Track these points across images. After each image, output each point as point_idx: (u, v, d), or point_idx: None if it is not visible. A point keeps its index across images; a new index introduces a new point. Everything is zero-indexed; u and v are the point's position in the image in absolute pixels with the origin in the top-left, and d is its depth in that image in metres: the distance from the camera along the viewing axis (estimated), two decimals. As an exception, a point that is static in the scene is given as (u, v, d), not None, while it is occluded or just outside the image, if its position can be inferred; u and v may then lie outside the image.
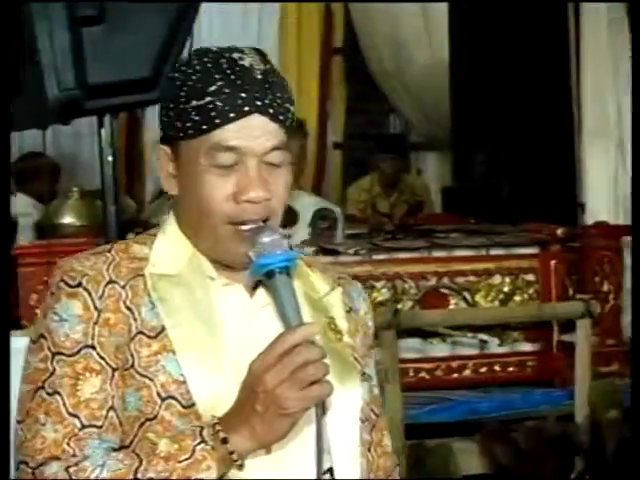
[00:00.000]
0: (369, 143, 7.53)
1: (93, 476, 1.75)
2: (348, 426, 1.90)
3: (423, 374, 4.40)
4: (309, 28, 7.72)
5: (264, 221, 1.81)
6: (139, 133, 7.55)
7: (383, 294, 4.43)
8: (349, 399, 1.90)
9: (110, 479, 1.74)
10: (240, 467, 1.76)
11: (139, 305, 1.83)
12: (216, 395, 1.80)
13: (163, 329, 1.82)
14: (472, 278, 4.51)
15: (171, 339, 1.82)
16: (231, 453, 1.74)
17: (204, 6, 3.80)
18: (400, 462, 3.99)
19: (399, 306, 4.33)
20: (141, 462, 1.75)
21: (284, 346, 1.70)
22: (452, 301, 4.49)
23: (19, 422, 1.82)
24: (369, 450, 1.98)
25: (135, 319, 1.82)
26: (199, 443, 1.74)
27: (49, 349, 1.81)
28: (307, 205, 5.11)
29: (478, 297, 4.51)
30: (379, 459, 2.03)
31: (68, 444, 1.77)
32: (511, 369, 4.48)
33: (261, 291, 1.87)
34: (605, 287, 4.52)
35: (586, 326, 4.16)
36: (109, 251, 1.88)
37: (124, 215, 4.20)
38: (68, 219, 4.72)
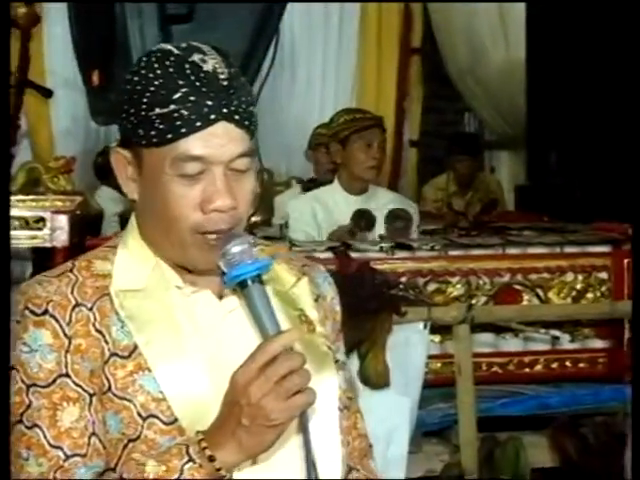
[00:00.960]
0: (444, 141, 7.51)
1: None
2: (328, 417, 1.87)
3: (496, 368, 4.37)
4: (389, 28, 7.71)
5: (230, 229, 1.74)
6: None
7: (458, 289, 4.41)
8: (327, 390, 1.87)
9: None
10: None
11: (108, 326, 1.77)
12: (198, 407, 1.76)
13: (136, 347, 1.76)
14: (545, 275, 4.49)
15: (145, 357, 1.75)
16: (218, 470, 1.68)
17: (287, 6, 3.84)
18: (472, 454, 4.04)
19: (473, 301, 4.32)
20: None
21: (265, 357, 1.64)
22: (525, 297, 4.47)
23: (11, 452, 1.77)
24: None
25: (106, 341, 1.76)
26: (186, 462, 1.68)
27: (22, 381, 1.76)
28: (383, 203, 5.14)
29: (551, 294, 4.49)
30: (354, 442, 1.98)
31: (54, 478, 1.73)
32: (582, 365, 4.44)
33: (228, 293, 1.82)
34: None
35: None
36: (71, 270, 1.80)
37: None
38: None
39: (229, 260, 1.72)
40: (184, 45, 1.75)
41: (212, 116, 1.69)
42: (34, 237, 3.90)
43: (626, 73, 5.12)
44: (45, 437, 1.73)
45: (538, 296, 4.46)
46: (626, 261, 4.51)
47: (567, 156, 5.54)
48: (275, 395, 1.64)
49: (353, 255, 4.31)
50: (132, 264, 1.82)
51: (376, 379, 3.77)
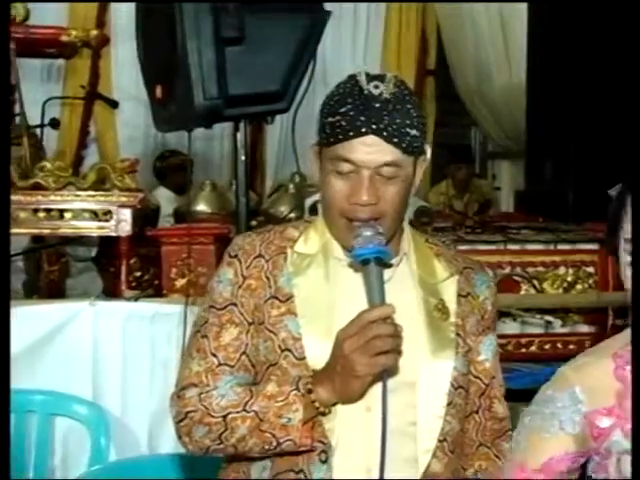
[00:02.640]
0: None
1: (215, 402, 1.88)
2: (437, 390, 1.94)
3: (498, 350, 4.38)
4: (407, 52, 7.72)
5: (375, 219, 1.88)
6: (262, 137, 7.63)
7: (464, 280, 4.41)
8: (441, 368, 1.95)
9: (226, 405, 1.87)
10: (323, 414, 1.86)
11: (276, 275, 1.95)
12: (323, 352, 1.87)
13: (292, 296, 1.93)
14: (541, 268, 4.48)
15: (296, 304, 1.92)
16: (313, 402, 1.83)
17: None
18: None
19: (494, 285, 4.31)
20: (251, 397, 1.87)
21: (362, 321, 1.79)
22: (523, 287, 4.47)
23: (183, 354, 2.02)
24: (477, 413, 2.03)
25: (270, 286, 1.94)
26: (293, 390, 1.85)
27: (208, 302, 1.98)
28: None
29: (545, 285, 4.48)
30: (487, 422, 2.07)
31: (206, 376, 1.93)
32: (571, 347, 4.43)
33: (385, 270, 1.91)
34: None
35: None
36: (269, 231, 2.03)
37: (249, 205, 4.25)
38: (201, 207, 4.78)
39: (358, 241, 1.86)
40: (370, 73, 1.94)
41: (363, 129, 1.84)
42: (102, 227, 3.91)
43: (611, 95, 5.09)
44: (209, 346, 1.95)
45: (534, 286, 4.45)
46: (610, 257, 4.49)
47: (561, 165, 5.52)
48: (361, 352, 1.78)
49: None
50: (312, 235, 2.00)
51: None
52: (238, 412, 1.86)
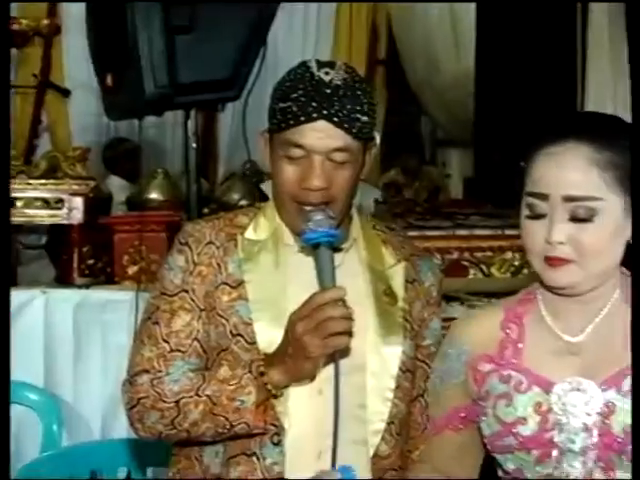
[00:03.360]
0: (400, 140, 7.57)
1: (167, 388, 1.88)
2: (385, 374, 1.95)
3: (447, 332, 4.40)
4: (358, 41, 7.71)
5: (326, 204, 1.88)
6: (214, 125, 7.61)
7: (414, 264, 4.43)
8: (390, 352, 1.95)
9: (178, 390, 1.87)
10: (275, 397, 1.86)
11: (227, 262, 1.94)
12: (274, 336, 1.88)
13: (243, 281, 1.92)
14: (488, 253, 4.51)
15: (247, 290, 1.92)
16: (265, 384, 1.83)
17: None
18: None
19: (440, 272, 4.33)
20: (204, 381, 1.87)
21: (314, 304, 1.79)
22: (471, 272, 4.49)
23: (134, 341, 2.00)
24: (422, 396, 2.02)
25: (221, 272, 1.94)
26: (246, 373, 1.85)
27: (159, 290, 1.97)
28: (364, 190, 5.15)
29: (493, 269, 4.50)
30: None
31: (157, 362, 1.92)
32: (518, 330, 4.48)
33: (335, 256, 1.91)
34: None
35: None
36: (219, 218, 2.02)
37: (201, 193, 4.24)
38: (154, 195, 4.76)
39: (309, 225, 1.85)
40: (321, 61, 1.95)
41: (314, 115, 1.84)
42: (54, 215, 3.90)
43: (558, 82, 5.14)
44: (160, 332, 1.94)
45: (482, 271, 4.48)
46: (557, 242, 4.54)
47: (508, 153, 5.55)
48: (314, 333, 1.78)
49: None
50: (262, 222, 1.99)
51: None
52: (191, 397, 1.86)
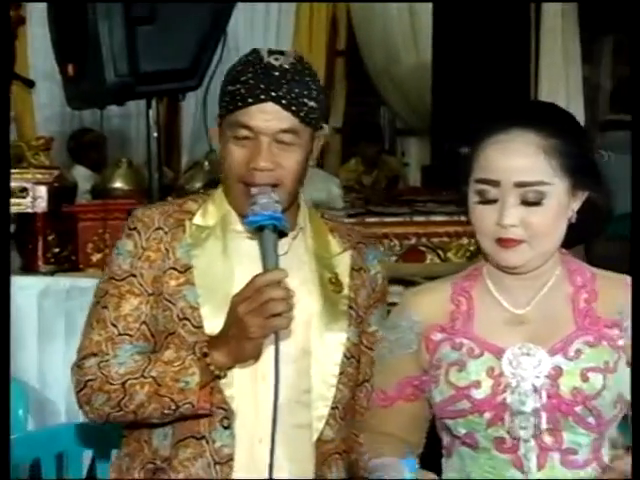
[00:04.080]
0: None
1: (114, 370, 1.86)
2: (330, 360, 1.94)
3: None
4: (318, 33, 7.70)
5: (273, 186, 1.86)
6: (178, 115, 7.58)
7: (373, 250, 4.44)
8: (334, 339, 1.94)
9: (124, 372, 1.85)
10: (219, 377, 1.84)
11: (175, 247, 1.92)
12: (218, 321, 1.86)
13: (190, 267, 1.91)
14: (445, 239, 4.54)
15: (194, 275, 1.90)
16: (209, 365, 1.82)
17: (233, 13, 3.82)
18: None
19: (385, 260, 4.35)
20: (149, 363, 1.85)
21: (256, 285, 1.77)
22: (428, 257, 4.52)
23: (84, 325, 1.96)
24: (367, 382, 2.00)
25: (169, 257, 1.92)
26: (190, 354, 1.83)
27: (108, 274, 1.94)
28: (313, 178, 5.15)
29: (450, 254, 4.54)
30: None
31: (106, 345, 1.90)
32: (474, 312, 4.51)
33: (279, 243, 1.88)
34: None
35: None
36: (168, 204, 2.01)
37: (164, 181, 4.23)
38: (118, 184, 4.74)
39: (253, 208, 1.83)
40: (271, 49, 1.94)
41: (262, 96, 1.84)
42: (18, 204, 3.87)
43: (512, 74, 5.17)
44: (109, 316, 1.91)
45: (439, 255, 4.51)
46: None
47: (464, 141, 5.58)
48: (255, 314, 1.77)
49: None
50: (210, 208, 1.97)
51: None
52: (136, 378, 1.84)
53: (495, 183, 1.73)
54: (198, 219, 1.95)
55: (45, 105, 7.20)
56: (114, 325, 1.90)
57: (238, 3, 3.45)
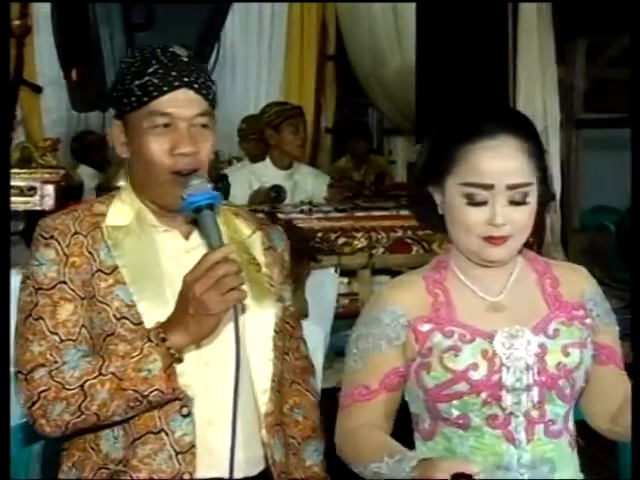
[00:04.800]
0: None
1: (68, 375, 1.76)
2: (263, 336, 1.93)
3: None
4: (309, 38, 7.69)
5: (194, 170, 1.83)
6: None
7: (361, 242, 4.45)
8: (265, 315, 1.94)
9: (80, 375, 1.76)
10: (179, 360, 1.78)
11: (97, 249, 1.85)
12: (158, 314, 1.81)
13: (117, 267, 1.84)
14: (429, 231, 4.51)
15: (122, 274, 1.83)
16: (169, 348, 1.75)
17: (228, 19, 3.82)
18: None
19: (373, 251, 4.35)
20: (104, 361, 1.77)
21: (208, 263, 1.72)
22: (414, 248, 4.52)
23: (15, 343, 1.82)
24: (287, 354, 2.01)
25: (95, 260, 1.84)
26: (146, 342, 1.76)
27: (33, 287, 1.83)
28: (304, 175, 5.15)
29: (434, 245, 4.53)
30: (296, 361, 2.07)
31: (51, 354, 1.79)
32: (457, 300, 4.50)
33: (194, 235, 1.89)
34: (531, 239, 4.55)
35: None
36: (76, 210, 1.90)
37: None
38: (122, 182, 4.72)
39: (188, 191, 1.79)
40: (160, 45, 1.90)
41: (176, 83, 1.81)
42: (27, 202, 3.87)
43: (492, 77, 5.16)
44: (46, 326, 1.81)
45: (424, 247, 4.51)
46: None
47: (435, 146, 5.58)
48: (213, 291, 1.71)
49: (280, 216, 4.32)
50: (122, 207, 1.90)
51: (297, 312, 3.78)
52: (95, 377, 1.75)
53: (488, 187, 1.76)
54: (112, 220, 1.88)
55: (52, 109, 7.17)
56: (54, 333, 1.81)
57: (232, 9, 3.44)
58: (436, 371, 1.80)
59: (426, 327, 1.83)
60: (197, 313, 1.73)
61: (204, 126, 1.84)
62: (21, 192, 3.87)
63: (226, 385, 1.78)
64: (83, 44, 3.06)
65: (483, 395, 1.78)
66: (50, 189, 3.85)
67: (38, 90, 6.11)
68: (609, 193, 6.47)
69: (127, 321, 1.81)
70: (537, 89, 4.97)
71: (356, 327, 1.92)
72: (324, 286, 3.93)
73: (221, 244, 1.77)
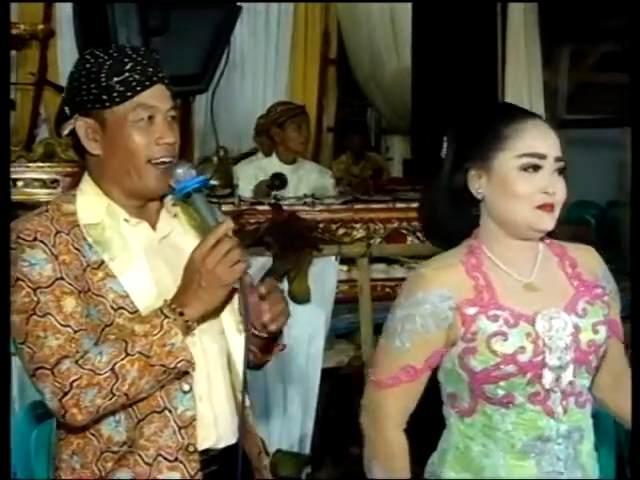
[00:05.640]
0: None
1: (97, 361, 1.72)
2: (237, 320, 1.89)
3: (387, 289, 4.38)
4: (312, 44, 7.65)
5: (173, 159, 1.81)
6: (189, 115, 7.52)
7: (360, 233, 4.45)
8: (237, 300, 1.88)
9: (108, 359, 1.72)
10: (191, 330, 1.77)
11: (82, 246, 1.79)
12: (150, 300, 1.79)
13: (103, 261, 1.79)
14: (424, 223, 4.52)
15: (110, 268, 1.79)
16: (187, 321, 1.75)
17: (237, 26, 3.80)
18: (370, 350, 4.05)
19: (371, 241, 4.34)
20: (127, 342, 1.73)
21: (214, 239, 1.72)
22: (409, 239, 4.51)
23: (21, 343, 1.75)
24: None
25: (83, 256, 1.79)
26: (164, 319, 1.74)
27: (29, 287, 1.75)
28: (308, 171, 5.15)
29: (427, 236, 4.52)
30: None
31: (70, 345, 1.74)
32: (448, 286, 4.49)
33: (160, 225, 1.86)
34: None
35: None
36: (47, 211, 1.82)
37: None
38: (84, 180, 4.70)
39: (177, 179, 1.77)
40: (120, 45, 1.92)
41: (154, 78, 1.80)
42: (50, 194, 3.85)
43: (482, 78, 5.15)
44: (56, 320, 1.75)
45: (418, 237, 4.49)
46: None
47: (441, 138, 5.56)
48: (223, 264, 1.71)
49: (285, 207, 4.32)
50: (89, 205, 1.83)
51: (301, 297, 3.78)
52: (123, 359, 1.71)
53: (542, 156, 1.81)
54: (85, 219, 1.81)
55: (74, 107, 7.15)
56: (66, 326, 1.75)
57: (241, 16, 3.43)
58: (483, 355, 1.78)
59: (472, 310, 1.79)
60: (210, 285, 1.73)
61: (173, 118, 1.83)
62: (44, 184, 3.87)
63: (210, 361, 1.80)
64: (102, 46, 3.04)
65: (528, 375, 1.79)
66: (71, 181, 3.83)
67: (61, 90, 6.03)
68: (590, 189, 6.47)
69: (124, 311, 1.78)
70: (524, 91, 4.96)
71: (399, 308, 1.83)
72: (325, 273, 3.93)
73: (217, 222, 1.77)
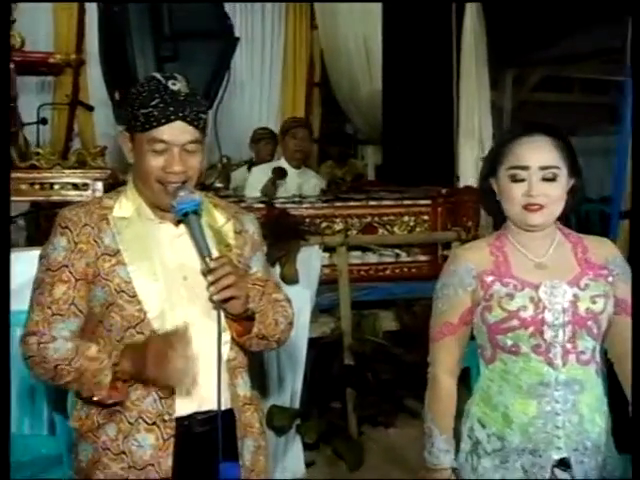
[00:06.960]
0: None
1: (49, 354, 1.78)
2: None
3: (362, 272, 4.43)
4: (300, 69, 7.65)
5: (183, 182, 1.81)
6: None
7: (340, 225, 4.44)
8: None
9: (56, 359, 1.78)
10: (125, 381, 1.80)
11: (103, 237, 1.82)
12: (150, 288, 1.81)
13: (119, 250, 1.82)
14: (392, 217, 4.54)
15: (123, 256, 1.81)
16: (116, 372, 1.77)
17: (236, 53, 3.79)
18: (348, 323, 4.05)
19: (349, 233, 4.35)
20: (76, 355, 1.78)
21: (174, 342, 1.73)
22: (380, 230, 4.52)
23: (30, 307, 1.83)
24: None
25: (100, 246, 1.82)
26: (106, 359, 1.78)
27: (44, 266, 1.82)
28: (308, 177, 5.15)
29: (395, 228, 4.54)
30: (268, 289, 1.99)
31: (43, 325, 1.80)
32: (413, 270, 4.51)
33: (181, 225, 1.87)
34: (469, 223, 4.56)
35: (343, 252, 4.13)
36: (89, 203, 1.88)
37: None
38: (129, 180, 4.68)
39: (178, 199, 1.79)
40: (166, 74, 1.85)
41: (172, 117, 1.77)
42: (81, 195, 3.84)
43: (437, 97, 5.14)
44: (45, 300, 1.81)
45: (387, 230, 4.51)
46: (439, 209, 4.58)
47: (408, 148, 5.58)
48: (163, 365, 1.72)
49: (277, 206, 4.32)
50: (126, 202, 1.87)
51: (290, 278, 3.79)
52: (65, 366, 1.78)
53: (525, 167, 1.88)
54: (117, 212, 1.86)
55: (102, 123, 7.10)
56: (49, 307, 1.81)
57: (240, 45, 3.42)
58: (496, 311, 1.90)
59: (489, 278, 1.92)
60: (146, 371, 1.74)
61: (193, 149, 1.81)
62: (76, 187, 3.84)
63: (196, 334, 1.76)
64: (123, 72, 3.04)
65: (530, 329, 1.87)
66: (99, 185, 3.82)
67: (90, 109, 6.08)
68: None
69: (125, 294, 1.80)
70: (475, 109, 4.96)
71: (440, 279, 2.00)
72: (311, 259, 3.94)
73: (207, 246, 1.78)
